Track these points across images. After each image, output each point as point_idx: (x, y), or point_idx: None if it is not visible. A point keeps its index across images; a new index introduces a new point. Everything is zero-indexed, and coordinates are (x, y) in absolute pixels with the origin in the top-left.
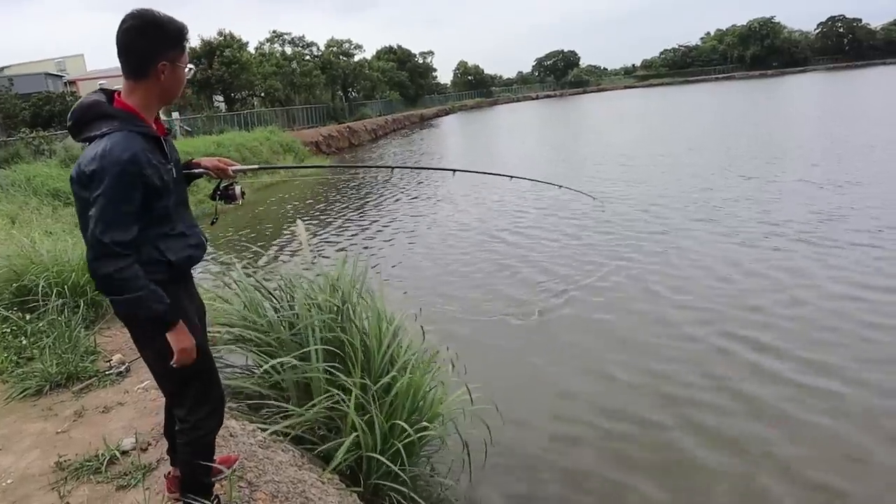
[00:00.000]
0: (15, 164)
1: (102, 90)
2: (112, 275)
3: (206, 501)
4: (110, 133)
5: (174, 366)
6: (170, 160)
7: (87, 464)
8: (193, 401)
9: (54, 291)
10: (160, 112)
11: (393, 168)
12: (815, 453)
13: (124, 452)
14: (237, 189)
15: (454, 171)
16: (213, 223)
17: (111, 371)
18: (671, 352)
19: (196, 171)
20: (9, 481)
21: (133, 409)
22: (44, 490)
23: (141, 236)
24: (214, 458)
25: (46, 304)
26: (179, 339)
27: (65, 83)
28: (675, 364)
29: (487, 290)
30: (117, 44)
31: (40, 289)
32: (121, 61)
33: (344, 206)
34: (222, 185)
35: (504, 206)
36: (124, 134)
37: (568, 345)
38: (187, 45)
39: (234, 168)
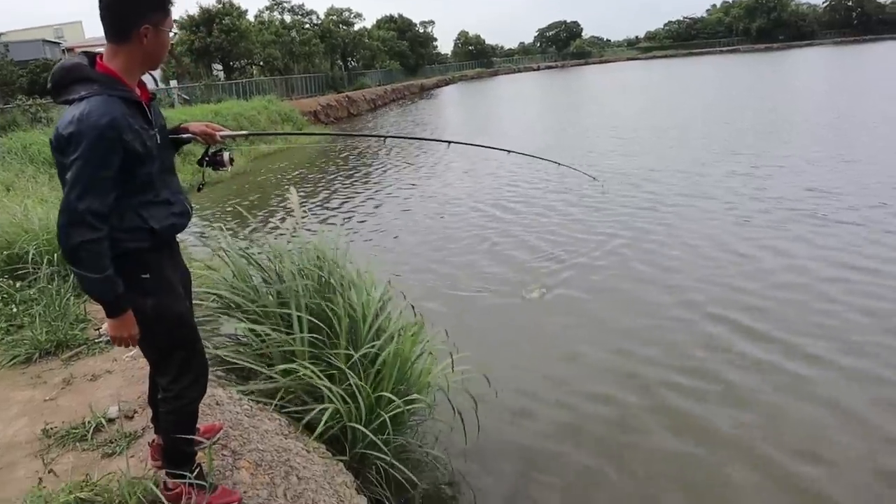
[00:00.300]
0: (12, 131)
1: (85, 53)
2: (81, 246)
3: (182, 472)
4: (89, 97)
5: (132, 339)
6: (154, 126)
7: (74, 431)
8: (177, 370)
9: (45, 260)
10: (158, 80)
11: (386, 137)
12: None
13: (110, 420)
14: (226, 155)
15: (449, 142)
16: (199, 189)
17: (100, 339)
18: (656, 333)
19: (184, 136)
20: None
21: (120, 377)
22: (30, 457)
23: (123, 203)
24: (198, 426)
25: (37, 273)
26: (120, 328)
27: (62, 50)
28: (660, 346)
29: (477, 264)
30: (100, 5)
31: (30, 257)
32: (103, 24)
33: (339, 175)
34: (211, 151)
35: (499, 179)
36: (104, 98)
37: (557, 324)
38: (172, 9)
39: (221, 134)
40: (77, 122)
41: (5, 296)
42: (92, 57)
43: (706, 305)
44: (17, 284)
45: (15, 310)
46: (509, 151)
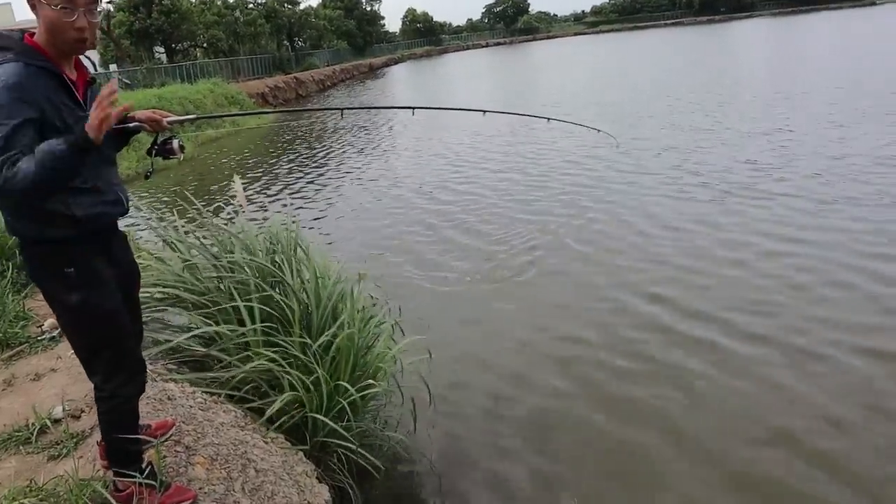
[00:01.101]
0: None
1: (22, 31)
2: (13, 182)
3: (129, 472)
4: (3, 62)
5: None
6: (84, 109)
7: (17, 434)
8: (107, 369)
9: None
10: (97, 64)
11: (342, 110)
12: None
13: (56, 421)
14: (175, 143)
15: (412, 108)
16: (147, 177)
17: (43, 336)
18: (594, 314)
19: (130, 125)
20: None
21: (66, 375)
22: None
23: None
24: (150, 423)
25: None
26: (95, 126)
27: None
28: (598, 327)
29: (427, 248)
30: None
31: None
32: None
33: (290, 158)
34: (159, 139)
35: (448, 157)
36: (16, 64)
37: (508, 308)
38: None
39: (168, 119)
40: None
41: None
42: (21, 31)
43: (646, 285)
44: None
45: None
46: (486, 112)
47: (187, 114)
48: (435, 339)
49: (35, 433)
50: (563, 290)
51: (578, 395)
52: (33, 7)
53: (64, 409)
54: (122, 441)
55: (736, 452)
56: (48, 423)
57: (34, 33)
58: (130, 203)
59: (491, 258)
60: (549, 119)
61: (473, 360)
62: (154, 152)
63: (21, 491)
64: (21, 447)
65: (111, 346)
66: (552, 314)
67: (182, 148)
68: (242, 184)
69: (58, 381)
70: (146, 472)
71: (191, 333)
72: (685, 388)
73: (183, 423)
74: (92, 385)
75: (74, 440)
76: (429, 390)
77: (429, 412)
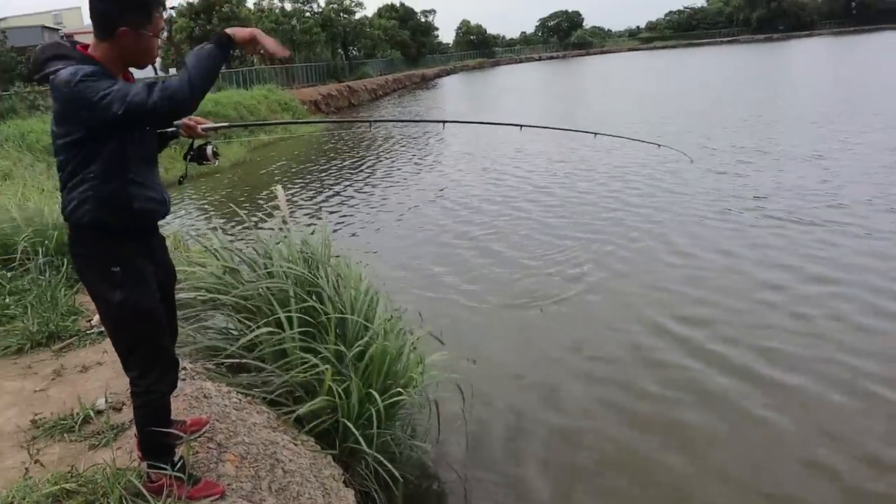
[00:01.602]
0: (10, 119)
1: (68, 39)
2: (171, 103)
3: (162, 465)
4: (68, 66)
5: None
6: None
7: (62, 423)
8: (143, 365)
9: (40, 250)
10: (158, 69)
11: (371, 122)
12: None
13: (98, 412)
14: (209, 149)
15: (443, 122)
16: (180, 182)
17: (91, 331)
18: (633, 337)
19: (168, 129)
20: None
21: (111, 368)
22: (16, 448)
23: (113, 170)
24: (185, 419)
25: (30, 263)
26: (241, 36)
27: (61, 36)
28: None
29: (466, 261)
30: (89, 3)
31: (20, 247)
32: (91, 19)
33: (336, 165)
34: (195, 144)
35: (494, 170)
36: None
37: (544, 325)
38: (157, 16)
39: (203, 126)
40: (74, 73)
41: None
42: (73, 42)
43: (684, 308)
44: (10, 275)
45: (7, 300)
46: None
47: (241, 119)
48: (468, 352)
49: (79, 423)
50: (601, 310)
51: (609, 416)
52: (116, 36)
53: (106, 402)
54: (155, 434)
55: (766, 482)
56: (91, 413)
57: (87, 46)
58: (183, 204)
59: (530, 274)
60: (595, 134)
61: (506, 374)
62: (189, 157)
63: (62, 476)
64: (65, 435)
65: (148, 344)
66: (588, 334)
67: (216, 154)
68: (288, 190)
69: (103, 374)
70: (178, 465)
71: (238, 343)
72: (718, 413)
73: (217, 421)
74: None
75: (114, 431)
76: (462, 397)
77: (457, 423)
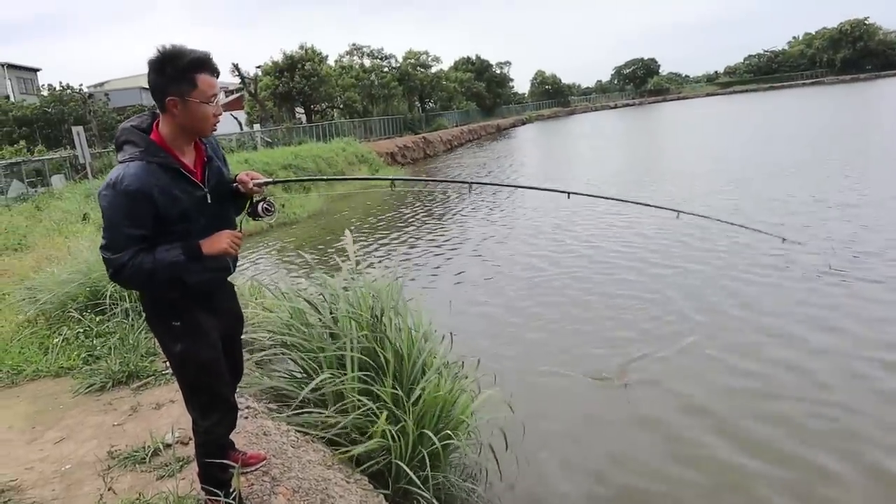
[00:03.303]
0: (108, 173)
1: (150, 112)
2: (127, 280)
3: (217, 492)
4: (131, 160)
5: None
6: (204, 186)
7: (134, 454)
8: (201, 409)
9: (123, 296)
10: (242, 124)
11: (392, 180)
12: None
13: (167, 445)
14: (260, 206)
15: (469, 183)
16: None
17: (167, 371)
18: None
19: (232, 186)
20: (67, 466)
21: (181, 406)
22: (95, 476)
23: None
24: (244, 452)
25: (115, 308)
26: (213, 247)
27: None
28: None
29: (530, 326)
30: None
31: (108, 293)
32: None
33: (408, 218)
34: (255, 199)
35: (567, 231)
36: (141, 164)
37: (604, 397)
38: (204, 79)
39: (256, 181)
40: (113, 185)
41: (87, 329)
42: (150, 121)
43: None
44: (98, 319)
45: (94, 342)
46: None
47: (319, 171)
48: (524, 410)
49: (149, 455)
50: (667, 389)
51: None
52: (167, 108)
53: (174, 436)
54: (212, 467)
55: None
56: (161, 446)
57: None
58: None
59: (598, 344)
60: (678, 213)
61: (558, 436)
62: (247, 212)
63: (130, 502)
64: (137, 465)
65: (207, 391)
66: (652, 411)
67: (268, 210)
68: (359, 239)
69: (174, 411)
70: (232, 494)
71: (308, 388)
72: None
73: (273, 456)
74: None
75: (180, 463)
76: (507, 442)
77: (512, 471)
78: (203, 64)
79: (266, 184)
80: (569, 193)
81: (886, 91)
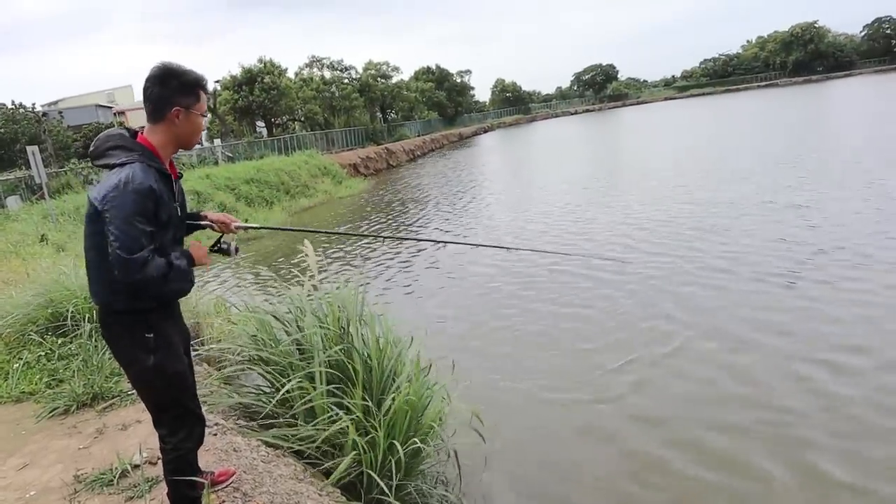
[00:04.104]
0: (65, 194)
1: (125, 127)
2: (149, 278)
3: None
4: (131, 163)
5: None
6: (176, 200)
7: (102, 477)
8: (172, 425)
9: (86, 317)
10: (203, 139)
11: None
12: None
13: (135, 466)
14: (232, 246)
15: (437, 242)
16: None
17: (132, 392)
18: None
19: (202, 223)
20: (31, 493)
21: (148, 426)
22: (61, 501)
23: None
24: (213, 470)
25: (78, 329)
26: (199, 259)
27: (114, 114)
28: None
29: (499, 332)
30: (143, 90)
31: (69, 314)
32: (144, 106)
33: (373, 227)
34: (223, 239)
35: (545, 234)
36: (143, 166)
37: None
38: (203, 96)
39: (236, 224)
40: (121, 187)
41: (48, 352)
42: (133, 132)
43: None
44: (60, 341)
45: (56, 365)
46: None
47: (281, 183)
48: (489, 405)
49: (117, 476)
50: (653, 402)
51: None
52: (168, 118)
53: (142, 456)
54: (182, 485)
55: None
56: (129, 467)
57: (142, 129)
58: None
59: (573, 357)
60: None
61: (528, 444)
62: (214, 249)
63: None
64: (105, 488)
65: (176, 405)
66: (629, 422)
67: (237, 250)
68: (328, 248)
69: (141, 431)
70: None
71: (276, 398)
72: None
73: (244, 472)
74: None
75: (149, 483)
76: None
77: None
78: (204, 82)
79: (245, 228)
80: (508, 248)
81: (836, 92)
